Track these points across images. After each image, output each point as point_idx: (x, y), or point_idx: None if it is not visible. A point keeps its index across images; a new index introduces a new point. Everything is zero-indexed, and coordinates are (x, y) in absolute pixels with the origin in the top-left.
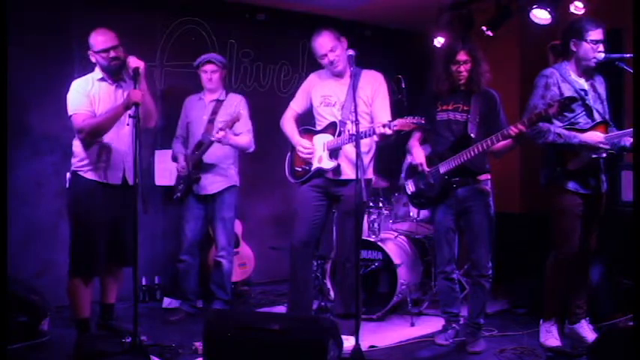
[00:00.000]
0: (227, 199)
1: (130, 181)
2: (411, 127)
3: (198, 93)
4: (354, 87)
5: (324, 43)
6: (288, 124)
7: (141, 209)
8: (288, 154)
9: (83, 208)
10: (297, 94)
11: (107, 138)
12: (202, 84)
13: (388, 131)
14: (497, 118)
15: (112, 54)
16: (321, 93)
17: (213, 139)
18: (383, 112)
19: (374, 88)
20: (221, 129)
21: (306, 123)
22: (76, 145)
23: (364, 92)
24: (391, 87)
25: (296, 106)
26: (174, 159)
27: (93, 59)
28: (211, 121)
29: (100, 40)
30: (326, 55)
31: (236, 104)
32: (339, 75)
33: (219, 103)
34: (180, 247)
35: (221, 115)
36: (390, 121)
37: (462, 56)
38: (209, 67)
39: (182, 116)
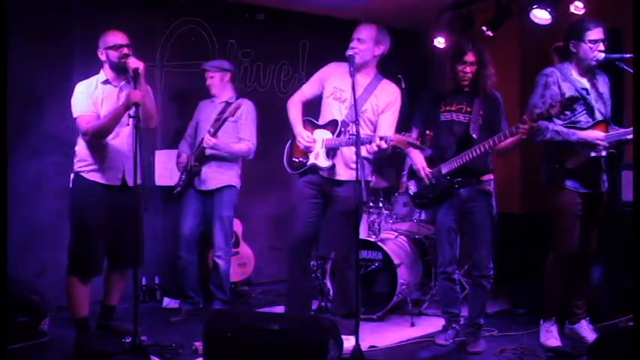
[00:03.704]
0: (226, 197)
1: (129, 182)
2: (406, 146)
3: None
4: (353, 87)
5: (360, 30)
6: (295, 108)
7: (142, 207)
8: (288, 142)
9: (84, 208)
10: (311, 79)
11: (108, 139)
12: None
13: (384, 145)
14: (499, 120)
15: (125, 50)
16: (335, 84)
17: (204, 145)
18: (387, 127)
19: (388, 101)
20: (210, 133)
21: (312, 114)
22: (79, 147)
23: (376, 100)
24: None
25: (307, 90)
26: (179, 157)
27: (103, 57)
28: (218, 120)
29: (112, 37)
30: (353, 39)
31: (243, 107)
32: (356, 68)
33: (228, 104)
34: (177, 243)
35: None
36: (387, 136)
37: (469, 57)
38: (207, 74)
39: (194, 118)
